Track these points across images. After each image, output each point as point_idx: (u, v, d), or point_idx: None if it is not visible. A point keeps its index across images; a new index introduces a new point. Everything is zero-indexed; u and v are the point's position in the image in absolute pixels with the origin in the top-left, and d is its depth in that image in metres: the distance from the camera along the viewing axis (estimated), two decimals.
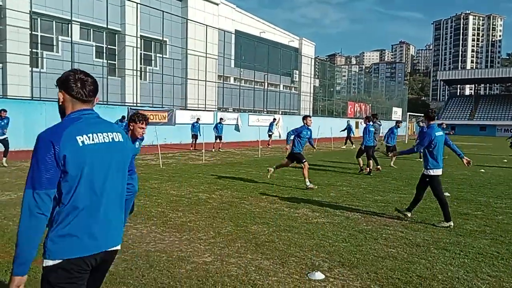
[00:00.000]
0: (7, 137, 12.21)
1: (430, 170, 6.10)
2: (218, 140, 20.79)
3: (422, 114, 6.92)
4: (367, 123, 12.66)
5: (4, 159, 12.08)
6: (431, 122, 6.25)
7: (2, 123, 12.23)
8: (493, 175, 12.34)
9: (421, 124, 12.50)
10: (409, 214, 6.39)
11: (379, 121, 13.60)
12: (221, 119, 22.10)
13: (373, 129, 12.72)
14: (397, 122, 16.20)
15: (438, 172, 6.12)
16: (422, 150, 6.30)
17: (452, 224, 5.87)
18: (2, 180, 9.42)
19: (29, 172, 1.75)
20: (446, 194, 8.60)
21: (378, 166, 12.76)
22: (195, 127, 21.19)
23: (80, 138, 1.82)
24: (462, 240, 5.18)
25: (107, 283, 3.58)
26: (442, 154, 6.18)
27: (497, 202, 7.90)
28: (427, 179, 6.13)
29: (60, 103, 2.01)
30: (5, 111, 12.24)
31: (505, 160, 17.87)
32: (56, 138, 1.76)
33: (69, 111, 1.96)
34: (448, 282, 3.78)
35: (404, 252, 4.66)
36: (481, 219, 6.37)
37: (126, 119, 17.38)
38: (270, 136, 25.47)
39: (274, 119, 22.62)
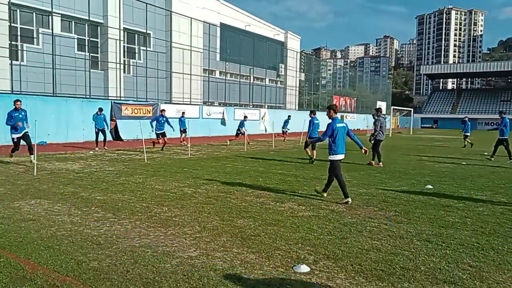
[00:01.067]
0: (27, 132, 11.21)
1: (331, 156, 7.30)
2: (242, 134, 20.46)
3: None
4: (312, 116, 13.28)
5: (32, 156, 10.92)
6: (334, 115, 7.36)
7: (20, 116, 11.08)
8: (474, 168, 12.60)
9: (375, 117, 13.70)
10: (325, 194, 7.56)
11: (384, 115, 13.82)
12: (245, 117, 21.82)
13: (317, 122, 13.27)
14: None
15: (338, 157, 7.27)
16: (328, 139, 7.31)
17: (350, 200, 7.01)
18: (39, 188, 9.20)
19: None
20: (429, 186, 8.77)
21: (380, 163, 12.66)
22: (183, 122, 20.96)
23: None
24: (444, 232, 5.28)
25: (91, 279, 3.54)
26: (344, 143, 7.31)
27: (478, 194, 8.07)
28: (334, 164, 7.28)
29: None
30: (19, 101, 11.10)
31: (486, 153, 18.26)
32: None
33: None
34: (431, 273, 3.86)
35: (388, 244, 4.73)
36: (462, 211, 6.50)
37: (103, 111, 17.15)
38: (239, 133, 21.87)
39: (246, 116, 21.83)
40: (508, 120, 15.71)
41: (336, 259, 4.20)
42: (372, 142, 13.02)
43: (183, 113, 21.88)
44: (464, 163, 13.95)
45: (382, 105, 64.44)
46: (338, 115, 7.55)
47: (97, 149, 16.54)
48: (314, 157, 13.27)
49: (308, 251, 4.44)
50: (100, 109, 17.23)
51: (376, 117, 13.24)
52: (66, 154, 14.76)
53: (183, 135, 20.62)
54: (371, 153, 12.55)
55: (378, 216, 6.08)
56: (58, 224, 5.33)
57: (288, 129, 26.35)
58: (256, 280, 3.63)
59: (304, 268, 3.89)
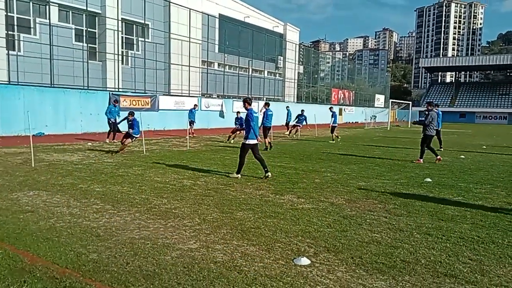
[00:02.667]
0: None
1: (246, 140, 8.52)
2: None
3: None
4: (266, 108, 14.72)
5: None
6: (249, 107, 8.61)
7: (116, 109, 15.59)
8: (473, 161, 12.61)
9: (333, 109, 14.48)
10: (239, 176, 8.51)
11: (436, 109, 13.06)
12: (238, 112, 21.76)
13: (271, 113, 14.92)
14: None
15: (251, 142, 8.54)
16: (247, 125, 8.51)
17: (239, 176, 8.43)
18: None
19: None
20: (428, 179, 8.78)
21: (421, 160, 12.00)
22: (193, 113, 20.97)
23: None
24: (444, 225, 5.28)
25: (90, 271, 3.52)
26: (257, 130, 8.77)
27: (477, 187, 8.08)
28: (244, 146, 8.57)
29: None
30: (116, 101, 13.84)
31: (484, 147, 18.29)
32: None
33: None
34: (431, 266, 3.85)
35: (388, 237, 4.72)
36: (462, 204, 6.50)
37: (118, 103, 17.28)
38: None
39: (238, 112, 21.59)
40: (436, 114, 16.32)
41: (337, 252, 4.19)
42: (424, 136, 12.10)
43: (195, 105, 22.01)
44: (462, 156, 13.97)
45: (380, 98, 64.43)
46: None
47: (107, 140, 16.47)
48: (267, 144, 14.56)
49: (308, 244, 4.43)
50: (116, 101, 17.28)
51: (428, 111, 12.29)
52: (65, 145, 14.69)
53: (191, 127, 20.56)
54: (420, 150, 12.18)
55: (378, 209, 6.08)
56: (57, 216, 5.30)
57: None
58: (256, 272, 3.62)
59: (305, 261, 3.89)
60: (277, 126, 26.94)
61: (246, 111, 8.73)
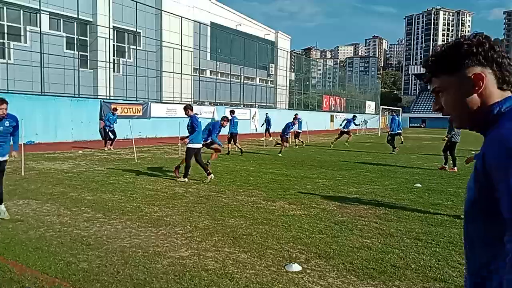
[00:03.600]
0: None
1: (191, 144, 8.98)
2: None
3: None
4: (232, 115, 15.54)
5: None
6: (191, 113, 9.21)
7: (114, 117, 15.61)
8: (462, 166, 12.75)
9: (298, 116, 15.11)
10: (186, 180, 8.90)
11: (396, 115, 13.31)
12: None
13: (237, 120, 15.69)
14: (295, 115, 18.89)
15: (195, 146, 9.06)
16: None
17: (186, 180, 8.86)
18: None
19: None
20: (418, 185, 8.86)
21: (455, 168, 11.83)
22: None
23: None
24: (434, 230, 5.33)
25: (80, 281, 3.50)
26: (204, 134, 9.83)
27: (466, 192, 8.16)
28: (189, 151, 9.02)
29: None
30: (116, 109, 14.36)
31: (473, 152, 18.50)
32: None
33: None
34: (421, 271, 3.89)
35: (378, 243, 4.76)
36: (451, 209, 6.58)
37: (117, 111, 17.38)
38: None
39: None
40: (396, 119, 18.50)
41: (328, 258, 4.21)
42: (448, 143, 12.08)
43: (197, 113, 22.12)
44: (451, 161, 14.10)
45: (371, 104, 64.95)
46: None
47: (105, 148, 16.33)
48: (229, 149, 15.47)
49: (299, 250, 4.45)
50: (115, 109, 17.27)
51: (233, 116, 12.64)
52: (55, 153, 14.57)
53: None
54: (443, 155, 12.20)
55: (369, 215, 6.12)
56: (47, 225, 5.26)
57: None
58: (248, 279, 3.63)
59: (296, 267, 3.90)
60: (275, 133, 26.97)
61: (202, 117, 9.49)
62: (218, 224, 5.44)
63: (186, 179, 8.91)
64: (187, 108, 9.25)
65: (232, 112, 16.04)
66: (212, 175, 8.97)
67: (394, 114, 19.41)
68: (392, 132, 18.20)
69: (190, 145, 9.00)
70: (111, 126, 16.59)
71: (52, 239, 4.68)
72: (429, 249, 4.55)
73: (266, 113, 25.71)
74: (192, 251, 4.35)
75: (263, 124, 25.66)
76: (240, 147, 15.72)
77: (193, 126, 9.02)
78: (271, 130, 23.73)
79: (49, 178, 9.08)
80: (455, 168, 11.82)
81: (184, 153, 9.37)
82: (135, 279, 3.58)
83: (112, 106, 18.85)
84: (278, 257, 4.23)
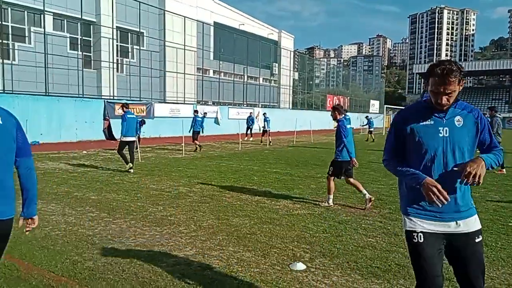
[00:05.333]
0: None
1: (123, 138, 10.25)
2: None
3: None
4: (195, 114, 17.12)
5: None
6: (126, 110, 10.41)
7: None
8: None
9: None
10: (130, 168, 10.11)
11: (499, 114, 11.82)
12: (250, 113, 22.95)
13: (200, 119, 17.03)
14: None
15: (128, 139, 10.26)
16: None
17: (132, 170, 9.97)
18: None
19: None
20: None
21: (503, 170, 10.94)
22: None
23: None
24: None
25: (86, 279, 3.52)
26: (134, 129, 10.58)
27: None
28: (121, 143, 10.38)
29: None
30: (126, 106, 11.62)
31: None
32: None
33: None
34: None
35: (383, 242, 4.75)
36: None
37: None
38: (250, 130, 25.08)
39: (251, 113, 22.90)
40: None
41: (332, 257, 4.22)
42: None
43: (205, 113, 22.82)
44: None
45: (375, 104, 64.79)
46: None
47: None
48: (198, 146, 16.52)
49: (304, 249, 4.46)
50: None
51: (491, 117, 11.34)
52: (59, 153, 14.65)
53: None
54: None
55: (373, 214, 6.11)
56: (53, 224, 5.29)
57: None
58: (252, 278, 3.64)
59: (300, 266, 3.91)
60: (274, 132, 26.99)
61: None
62: (222, 223, 5.46)
63: (127, 166, 10.24)
64: (123, 106, 10.70)
65: (196, 111, 17.55)
66: (132, 168, 10.22)
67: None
68: None
69: (122, 138, 10.39)
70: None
71: (57, 238, 4.71)
72: None
73: (250, 112, 25.97)
74: (197, 250, 4.37)
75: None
76: (199, 144, 16.54)
77: (124, 121, 10.46)
78: (253, 131, 25.03)
79: (54, 178, 9.14)
80: (503, 170, 10.99)
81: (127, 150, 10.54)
82: (140, 277, 3.60)
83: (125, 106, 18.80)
84: (283, 256, 4.24)
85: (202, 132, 20.09)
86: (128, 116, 10.37)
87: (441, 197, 2.13)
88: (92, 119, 20.73)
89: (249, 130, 24.67)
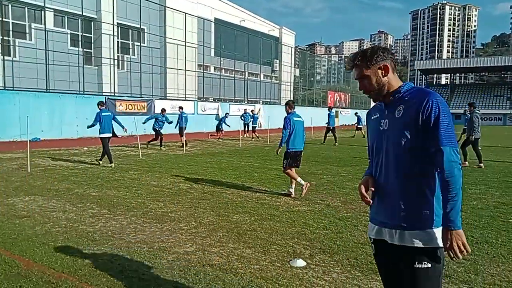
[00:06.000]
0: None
1: (100, 134, 10.69)
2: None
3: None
4: (181, 110, 17.41)
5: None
6: (102, 107, 10.96)
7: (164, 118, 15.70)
8: (468, 162, 12.68)
9: (468, 113, 13.71)
10: (99, 163, 10.79)
11: (478, 110, 12.10)
12: (252, 111, 23.13)
13: (185, 115, 17.10)
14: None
15: (105, 135, 10.69)
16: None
17: (113, 165, 10.40)
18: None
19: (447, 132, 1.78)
20: None
21: (481, 164, 11.68)
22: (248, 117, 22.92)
23: None
24: None
25: (86, 275, 3.53)
26: (111, 126, 11.01)
27: (471, 188, 8.13)
28: (102, 139, 10.86)
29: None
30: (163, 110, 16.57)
31: (479, 148, 18.38)
32: None
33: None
34: None
35: None
36: None
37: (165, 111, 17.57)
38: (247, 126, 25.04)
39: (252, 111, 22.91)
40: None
41: (332, 253, 4.22)
42: (472, 139, 11.71)
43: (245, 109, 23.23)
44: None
45: None
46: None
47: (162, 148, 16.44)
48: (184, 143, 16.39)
49: (304, 246, 4.46)
50: (163, 110, 17.66)
51: (470, 113, 11.79)
52: (60, 150, 14.67)
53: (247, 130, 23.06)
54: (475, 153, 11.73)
55: None
56: (53, 221, 5.30)
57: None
58: (252, 274, 3.64)
59: (301, 263, 3.91)
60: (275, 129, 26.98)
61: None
62: (222, 220, 5.46)
63: (112, 164, 10.58)
64: (99, 103, 11.13)
65: (180, 107, 18.07)
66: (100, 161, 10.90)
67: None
68: None
69: (100, 135, 10.81)
70: (161, 126, 16.57)
71: (58, 234, 4.72)
72: None
73: (245, 109, 26.00)
74: (197, 247, 4.37)
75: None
76: (184, 141, 16.44)
77: (98, 118, 10.92)
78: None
79: (55, 174, 9.15)
80: (482, 164, 11.54)
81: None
82: (141, 274, 3.61)
83: (161, 108, 18.74)
84: (283, 252, 4.24)
85: (224, 128, 20.43)
86: (103, 114, 10.91)
87: (364, 199, 1.95)
88: (93, 115, 20.60)
89: (245, 127, 24.69)
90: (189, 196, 7.01)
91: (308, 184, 7.18)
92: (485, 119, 71.65)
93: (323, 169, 10.65)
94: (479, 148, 11.91)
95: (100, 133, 10.87)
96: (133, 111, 23.25)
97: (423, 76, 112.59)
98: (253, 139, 22.31)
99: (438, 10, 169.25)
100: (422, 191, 1.84)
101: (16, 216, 5.52)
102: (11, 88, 19.54)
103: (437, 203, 1.83)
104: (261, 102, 38.66)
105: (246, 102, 36.12)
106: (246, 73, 37.37)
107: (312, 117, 29.82)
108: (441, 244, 1.82)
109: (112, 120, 11.10)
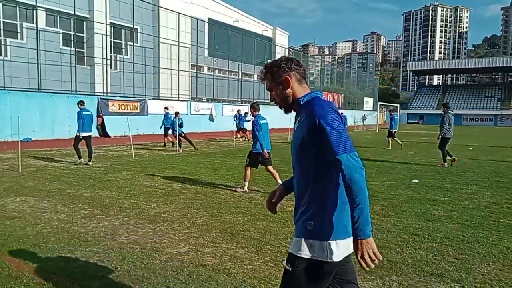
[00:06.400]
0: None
1: (79, 133, 10.88)
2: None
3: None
4: (166, 111, 17.38)
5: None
6: (82, 107, 11.04)
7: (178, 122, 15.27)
8: (459, 163, 12.80)
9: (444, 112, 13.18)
10: (81, 162, 10.92)
11: (452, 110, 12.28)
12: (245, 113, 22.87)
13: (170, 116, 16.84)
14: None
15: (84, 134, 10.94)
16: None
17: (82, 160, 10.83)
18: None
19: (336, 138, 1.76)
20: (415, 180, 8.90)
21: (450, 159, 11.86)
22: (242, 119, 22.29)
23: None
24: (431, 225, 5.36)
25: (79, 277, 3.50)
26: (90, 124, 11.24)
27: (463, 188, 8.21)
28: (77, 137, 10.99)
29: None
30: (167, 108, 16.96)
31: (470, 148, 18.58)
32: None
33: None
34: (418, 266, 3.91)
35: (375, 238, 4.76)
36: (448, 205, 6.61)
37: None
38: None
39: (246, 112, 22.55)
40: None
41: None
42: (442, 139, 11.89)
43: (241, 111, 23.09)
44: (449, 158, 14.15)
45: (369, 101, 65.00)
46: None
47: (180, 151, 16.13)
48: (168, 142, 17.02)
49: None
50: (177, 113, 17.39)
51: (444, 112, 12.08)
52: (52, 150, 14.54)
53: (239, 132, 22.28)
54: (447, 152, 11.84)
55: None
56: (45, 222, 5.25)
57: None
58: (245, 275, 3.64)
59: None
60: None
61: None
62: (215, 220, 5.45)
63: (81, 159, 10.99)
64: (79, 103, 11.21)
65: (166, 108, 18.28)
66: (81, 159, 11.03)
67: (393, 113, 19.20)
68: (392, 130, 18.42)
69: (79, 133, 10.97)
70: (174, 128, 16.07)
71: (49, 235, 4.68)
72: (425, 244, 4.58)
73: (238, 110, 25.93)
74: (190, 247, 4.36)
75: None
76: (167, 141, 17.00)
77: (79, 119, 11.06)
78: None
79: (46, 175, 9.07)
80: (445, 164, 11.80)
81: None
82: (133, 275, 3.59)
83: (175, 111, 18.35)
84: (276, 252, 4.24)
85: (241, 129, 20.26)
86: (84, 113, 11.02)
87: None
88: None
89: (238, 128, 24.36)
90: (182, 196, 6.99)
91: (246, 191, 7.48)
92: (476, 119, 72.40)
93: None
94: (446, 148, 11.97)
95: (79, 132, 11.00)
96: (126, 111, 23.14)
97: (416, 77, 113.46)
98: (241, 139, 22.15)
99: (430, 11, 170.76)
100: (316, 201, 1.87)
101: (6, 217, 5.46)
102: (2, 88, 19.35)
103: (338, 214, 1.85)
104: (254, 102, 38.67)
105: (239, 102, 36.10)
106: (240, 73, 37.38)
107: None
108: (303, 255, 1.85)
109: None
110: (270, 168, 7.66)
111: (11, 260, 3.86)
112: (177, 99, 29.04)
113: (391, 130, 18.39)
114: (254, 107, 7.63)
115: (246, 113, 22.76)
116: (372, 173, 10.12)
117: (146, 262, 3.89)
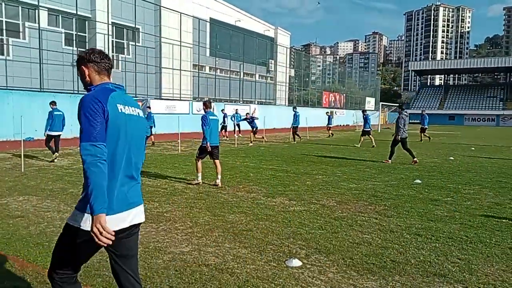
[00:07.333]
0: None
1: (49, 132, 11.09)
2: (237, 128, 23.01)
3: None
4: (149, 110, 18.01)
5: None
6: (54, 106, 11.39)
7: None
8: (462, 163, 12.79)
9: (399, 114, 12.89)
10: (56, 156, 11.26)
11: (406, 111, 12.90)
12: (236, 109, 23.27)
13: (152, 115, 17.39)
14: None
15: (53, 133, 11.24)
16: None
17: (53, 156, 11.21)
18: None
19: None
20: (418, 181, 8.89)
21: (389, 160, 12.58)
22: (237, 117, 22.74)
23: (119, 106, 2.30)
24: (433, 225, 5.35)
25: (82, 276, 3.51)
26: (61, 124, 11.49)
27: (465, 188, 8.19)
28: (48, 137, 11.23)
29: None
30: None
31: (473, 148, 18.54)
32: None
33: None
34: (421, 266, 3.91)
35: (378, 238, 4.77)
36: (450, 205, 6.59)
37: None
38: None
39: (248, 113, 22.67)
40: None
41: (328, 253, 4.23)
42: (399, 139, 12.42)
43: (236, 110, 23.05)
44: (451, 158, 14.14)
45: (370, 101, 64.92)
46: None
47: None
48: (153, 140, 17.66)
49: (299, 246, 4.46)
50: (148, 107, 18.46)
51: (399, 114, 12.69)
52: None
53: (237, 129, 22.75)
54: (410, 152, 12.24)
55: (368, 211, 6.13)
56: (47, 221, 5.27)
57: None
58: (248, 274, 3.64)
59: (296, 263, 3.91)
60: (270, 129, 26.95)
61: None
62: (218, 220, 5.46)
63: (54, 155, 11.28)
64: (51, 102, 11.59)
65: (148, 107, 19.16)
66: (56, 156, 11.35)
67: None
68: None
69: (49, 132, 11.17)
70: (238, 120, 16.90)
71: (52, 234, 4.69)
72: (428, 244, 4.57)
73: (236, 109, 25.93)
74: (193, 247, 4.37)
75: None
76: (153, 141, 17.98)
77: (49, 117, 11.33)
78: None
79: (49, 174, 9.09)
80: (390, 160, 12.50)
81: None
82: None
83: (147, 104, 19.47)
84: (279, 252, 4.24)
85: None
86: (55, 113, 11.40)
87: None
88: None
89: (238, 127, 24.44)
90: (185, 196, 7.00)
91: (200, 182, 8.14)
92: (478, 120, 72.28)
93: (318, 169, 10.67)
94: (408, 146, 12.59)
95: (48, 131, 11.24)
96: None
97: (417, 77, 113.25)
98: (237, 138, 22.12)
99: (432, 11, 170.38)
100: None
101: (10, 216, 5.48)
102: (5, 87, 19.37)
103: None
104: (256, 102, 38.66)
105: (241, 102, 36.10)
106: (242, 73, 37.35)
107: (308, 117, 29.90)
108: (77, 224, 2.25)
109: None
110: (217, 161, 8.23)
111: (14, 259, 3.87)
112: (179, 98, 29.05)
113: (423, 127, 21.39)
114: (206, 104, 8.25)
115: (236, 109, 23.20)
116: (374, 173, 10.11)
117: (149, 262, 3.89)
